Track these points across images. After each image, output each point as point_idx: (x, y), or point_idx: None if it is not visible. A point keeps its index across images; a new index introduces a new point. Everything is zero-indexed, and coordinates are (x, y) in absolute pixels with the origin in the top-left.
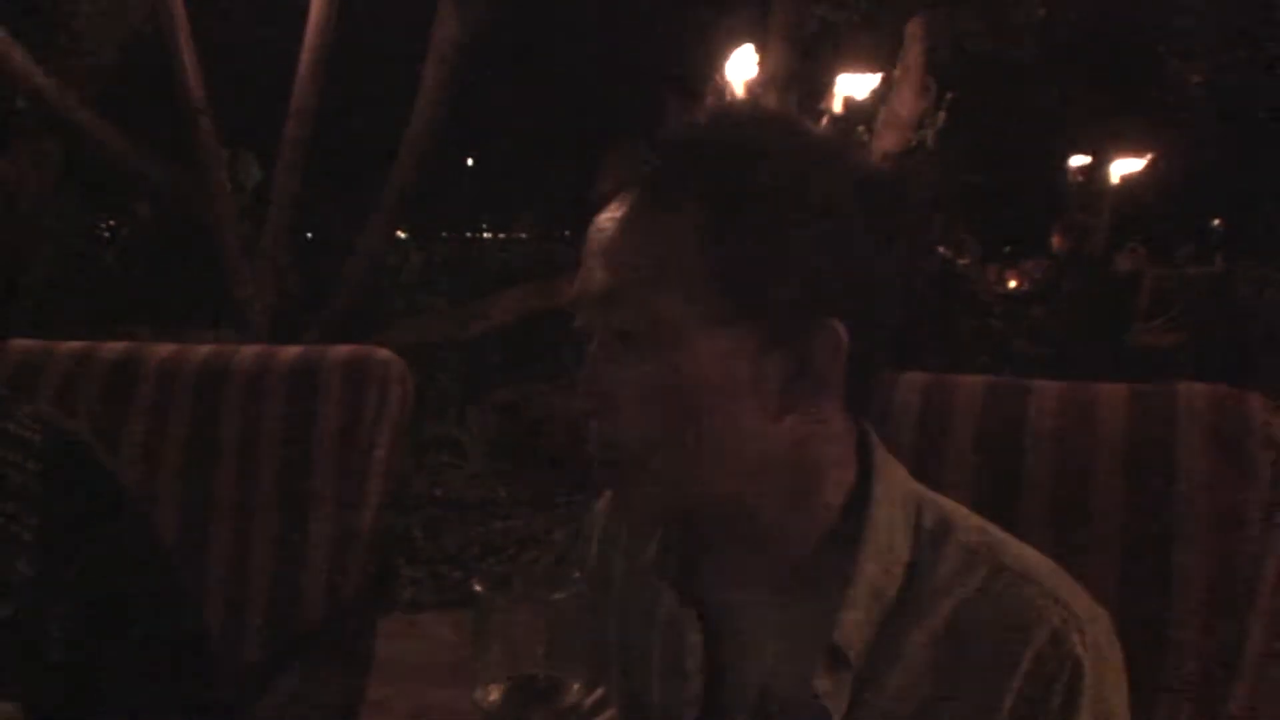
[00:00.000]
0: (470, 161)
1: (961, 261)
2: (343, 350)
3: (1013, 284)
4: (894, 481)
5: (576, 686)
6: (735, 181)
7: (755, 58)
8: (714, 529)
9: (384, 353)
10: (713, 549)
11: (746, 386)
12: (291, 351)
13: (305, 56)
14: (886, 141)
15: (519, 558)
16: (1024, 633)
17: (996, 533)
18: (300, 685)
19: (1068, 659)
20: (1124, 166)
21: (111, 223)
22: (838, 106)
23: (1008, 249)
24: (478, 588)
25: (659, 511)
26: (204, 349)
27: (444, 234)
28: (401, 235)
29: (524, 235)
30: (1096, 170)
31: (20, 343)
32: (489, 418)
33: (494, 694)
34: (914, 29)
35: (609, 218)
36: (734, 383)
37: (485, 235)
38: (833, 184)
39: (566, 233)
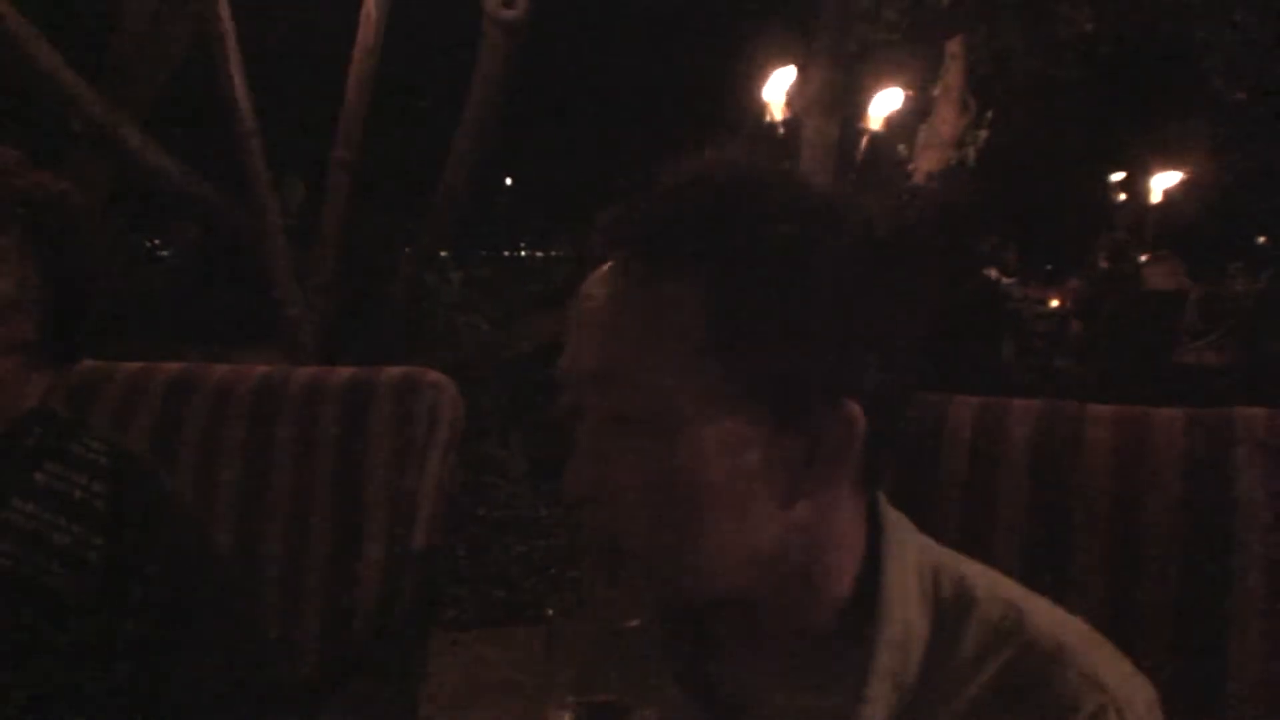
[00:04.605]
0: (509, 181)
1: (1006, 280)
2: (395, 371)
3: (1054, 303)
4: (906, 551)
5: (645, 714)
6: (739, 252)
7: (796, 80)
8: (718, 619)
9: (435, 374)
10: (718, 636)
11: (754, 474)
12: (344, 372)
13: (352, 80)
14: (928, 161)
15: (561, 577)
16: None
17: (1022, 598)
18: (353, 706)
19: None
20: (1165, 180)
21: (157, 242)
22: (876, 125)
23: (1049, 267)
24: (549, 612)
25: (658, 605)
26: (258, 369)
27: (483, 253)
28: (441, 254)
29: (558, 254)
30: (1139, 187)
31: (81, 363)
32: (531, 437)
33: (565, 718)
34: (954, 48)
35: (599, 284)
36: (741, 470)
37: (523, 254)
38: (845, 251)
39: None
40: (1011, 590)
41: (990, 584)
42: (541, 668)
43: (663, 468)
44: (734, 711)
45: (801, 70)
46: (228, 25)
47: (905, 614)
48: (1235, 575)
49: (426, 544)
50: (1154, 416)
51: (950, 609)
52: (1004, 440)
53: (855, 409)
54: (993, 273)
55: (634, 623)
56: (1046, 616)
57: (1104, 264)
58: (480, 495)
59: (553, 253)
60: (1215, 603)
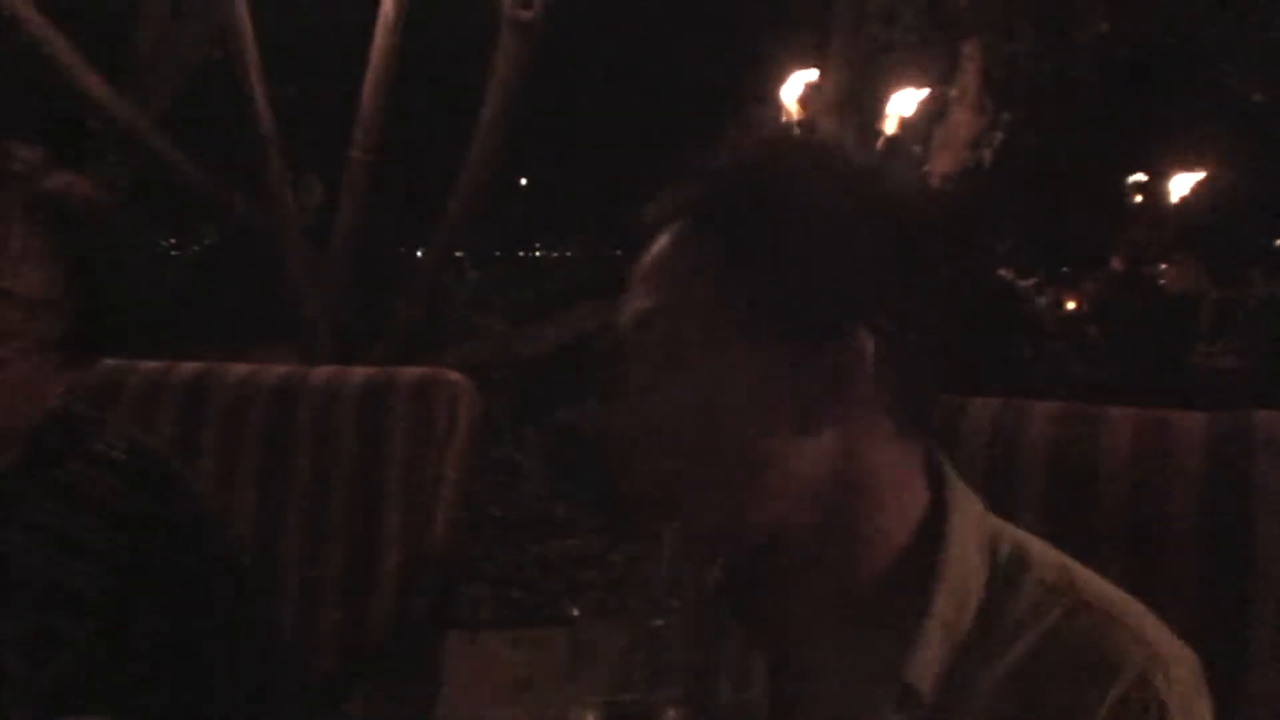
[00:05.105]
0: (524, 181)
1: (1021, 283)
2: (413, 372)
3: (1070, 305)
4: (969, 511)
5: (671, 713)
6: (759, 205)
7: (815, 80)
8: (773, 557)
9: (454, 374)
10: (776, 579)
11: (776, 402)
12: (362, 372)
13: (369, 80)
14: (943, 162)
15: (577, 577)
16: (1107, 674)
17: (1076, 568)
18: (370, 705)
19: (1152, 702)
20: (1183, 183)
21: (173, 241)
22: (892, 127)
23: (1065, 270)
24: (575, 612)
25: (709, 537)
26: (277, 369)
27: (497, 253)
28: (457, 254)
29: (572, 254)
30: (1156, 189)
31: (101, 361)
32: (546, 437)
33: (589, 717)
34: (969, 50)
35: (648, 250)
36: (763, 399)
37: (538, 254)
38: (862, 207)
39: (618, 252)
40: (1065, 558)
41: (1044, 550)
42: (558, 668)
43: (692, 398)
44: (791, 650)
45: (818, 72)
46: (246, 24)
47: (965, 566)
48: (1256, 578)
49: (444, 544)
50: (1173, 419)
51: (1006, 567)
52: (1021, 442)
53: (863, 336)
54: (1008, 274)
55: (659, 623)
56: (1098, 584)
57: (1119, 266)
58: (496, 495)
59: (567, 253)
60: (1235, 606)
